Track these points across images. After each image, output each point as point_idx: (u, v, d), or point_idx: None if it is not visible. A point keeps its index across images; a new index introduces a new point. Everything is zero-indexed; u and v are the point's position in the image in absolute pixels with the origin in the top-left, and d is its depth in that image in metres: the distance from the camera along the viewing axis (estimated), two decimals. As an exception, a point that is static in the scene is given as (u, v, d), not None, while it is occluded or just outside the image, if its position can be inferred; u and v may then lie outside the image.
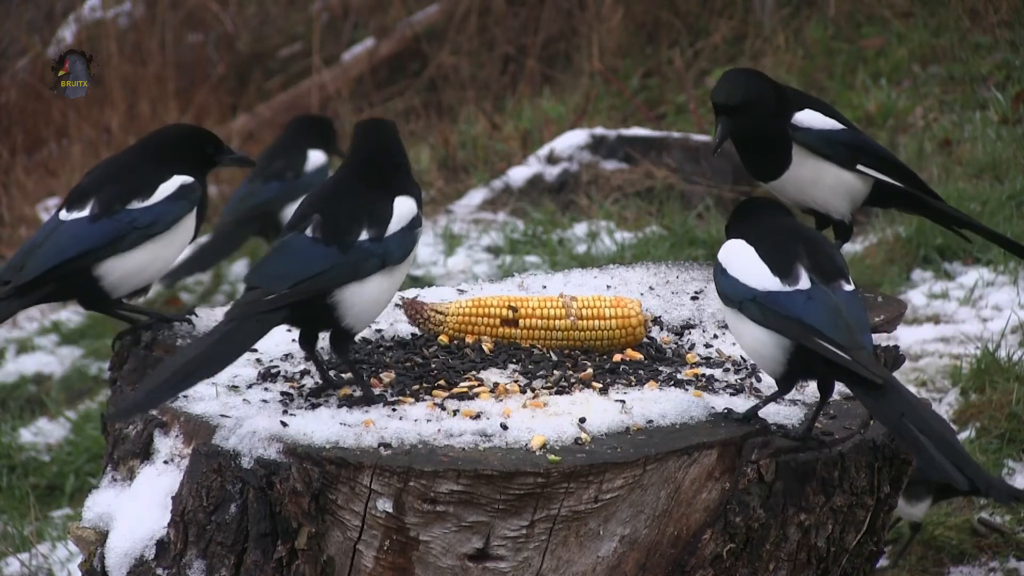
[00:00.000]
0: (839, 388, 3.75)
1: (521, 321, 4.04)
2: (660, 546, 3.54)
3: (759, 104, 4.27)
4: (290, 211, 8.21)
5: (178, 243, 4.14)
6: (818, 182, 4.40)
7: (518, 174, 9.23)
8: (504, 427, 3.54)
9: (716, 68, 10.78)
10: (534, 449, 3.49)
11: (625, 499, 3.48)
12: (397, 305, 4.27)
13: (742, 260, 3.58)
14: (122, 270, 4.08)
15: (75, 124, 11.79)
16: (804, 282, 3.52)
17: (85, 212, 4.06)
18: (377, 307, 3.70)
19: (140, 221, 4.08)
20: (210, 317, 4.20)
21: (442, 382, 3.82)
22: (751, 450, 3.54)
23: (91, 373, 8.10)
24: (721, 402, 3.69)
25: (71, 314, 8.80)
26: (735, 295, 3.56)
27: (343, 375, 3.86)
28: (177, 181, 4.11)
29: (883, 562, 5.18)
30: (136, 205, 4.08)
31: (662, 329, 4.20)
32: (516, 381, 3.82)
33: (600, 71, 10.90)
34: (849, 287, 3.56)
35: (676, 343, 4.12)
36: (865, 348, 3.45)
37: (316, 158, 8.54)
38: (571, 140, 9.31)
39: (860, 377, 3.42)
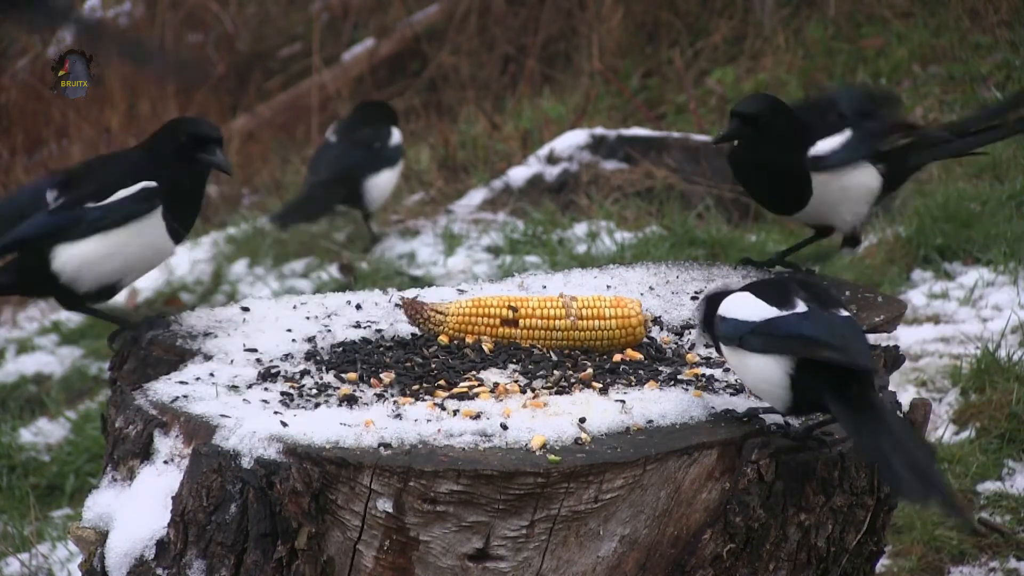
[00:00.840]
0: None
1: (521, 321, 4.04)
2: (660, 546, 3.54)
3: (775, 125, 4.28)
4: (373, 181, 8.53)
5: (140, 242, 4.16)
6: (844, 199, 4.42)
7: (518, 174, 9.23)
8: (504, 427, 3.54)
9: (716, 68, 10.78)
10: (534, 449, 3.49)
11: (625, 499, 3.48)
12: (397, 305, 4.28)
13: (738, 303, 3.63)
14: (77, 259, 4.11)
15: (75, 124, 11.79)
16: (801, 307, 3.57)
17: (50, 200, 4.14)
18: None
19: (90, 215, 4.12)
20: (210, 317, 4.20)
21: (442, 382, 3.82)
22: (751, 450, 3.54)
23: (91, 373, 8.10)
24: (721, 402, 3.69)
25: (71, 314, 8.80)
26: (734, 332, 3.60)
27: (344, 375, 3.87)
28: (139, 186, 4.13)
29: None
30: (90, 204, 4.13)
31: (662, 329, 4.20)
32: (516, 381, 3.82)
33: (600, 71, 10.90)
34: (846, 313, 3.58)
35: (676, 343, 4.12)
36: (862, 353, 3.48)
37: (397, 136, 8.91)
38: (571, 140, 9.31)
39: (851, 408, 3.45)
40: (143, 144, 4.25)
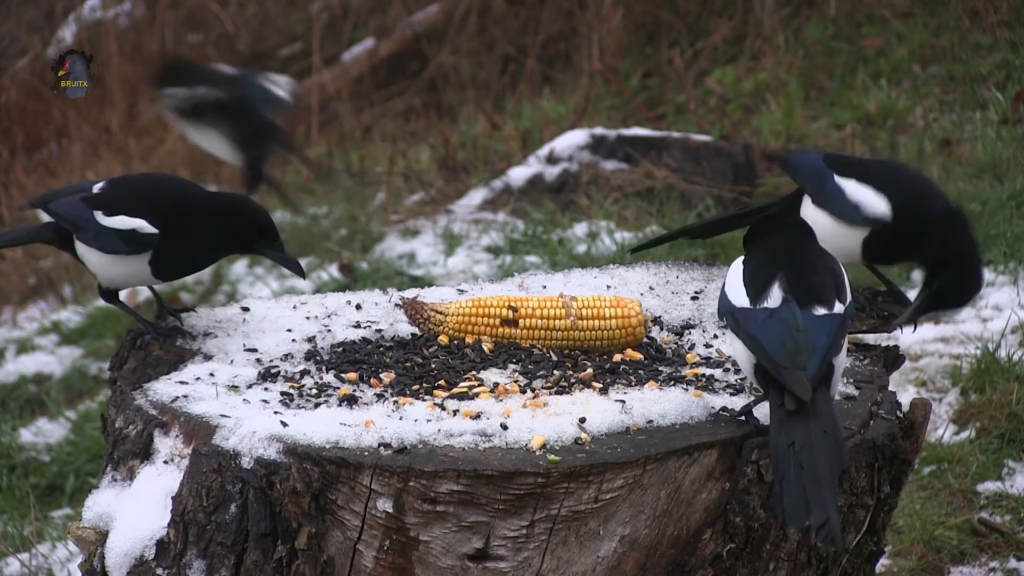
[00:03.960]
0: (841, 389, 3.78)
1: (521, 321, 4.04)
2: (660, 546, 3.54)
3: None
4: None
5: (121, 271, 4.15)
6: None
7: (518, 174, 9.23)
8: (504, 427, 3.54)
9: (716, 68, 10.79)
10: (534, 449, 3.49)
11: (625, 499, 3.48)
12: (397, 305, 4.28)
13: (732, 277, 3.67)
14: (84, 254, 4.14)
15: (75, 124, 11.79)
16: (773, 302, 3.58)
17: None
18: None
19: (88, 226, 4.11)
20: (210, 317, 4.20)
21: (442, 382, 3.82)
22: (751, 450, 3.54)
23: (91, 373, 8.10)
24: (721, 402, 3.69)
25: (71, 314, 8.81)
26: (723, 308, 3.67)
27: (344, 375, 3.87)
28: (131, 223, 4.10)
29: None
30: (97, 212, 4.10)
31: (662, 329, 4.20)
32: (516, 381, 3.82)
33: (600, 71, 10.91)
34: (822, 311, 3.56)
35: (676, 343, 4.12)
36: (805, 370, 3.48)
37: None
38: (571, 140, 9.31)
39: (781, 408, 3.47)
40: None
